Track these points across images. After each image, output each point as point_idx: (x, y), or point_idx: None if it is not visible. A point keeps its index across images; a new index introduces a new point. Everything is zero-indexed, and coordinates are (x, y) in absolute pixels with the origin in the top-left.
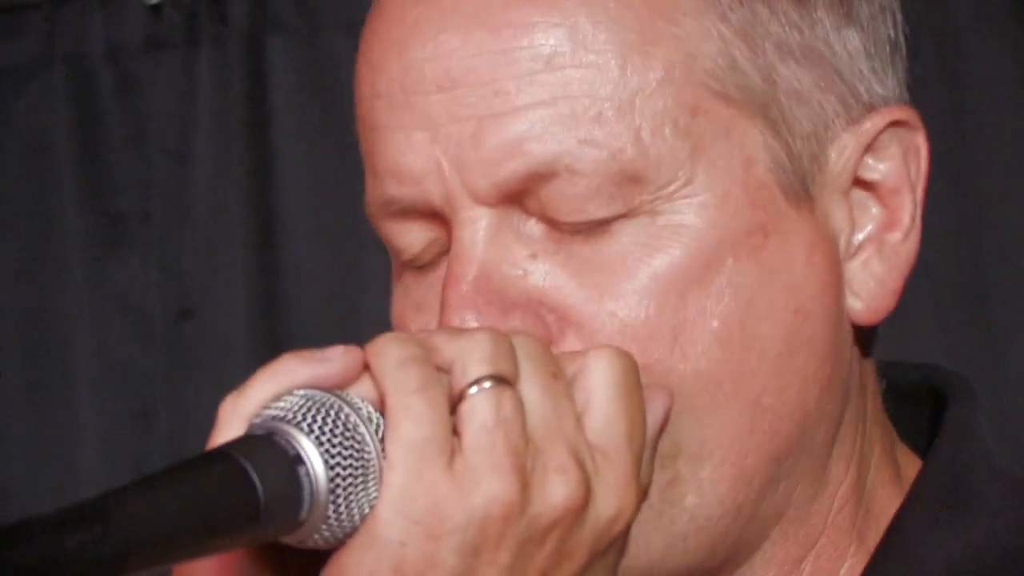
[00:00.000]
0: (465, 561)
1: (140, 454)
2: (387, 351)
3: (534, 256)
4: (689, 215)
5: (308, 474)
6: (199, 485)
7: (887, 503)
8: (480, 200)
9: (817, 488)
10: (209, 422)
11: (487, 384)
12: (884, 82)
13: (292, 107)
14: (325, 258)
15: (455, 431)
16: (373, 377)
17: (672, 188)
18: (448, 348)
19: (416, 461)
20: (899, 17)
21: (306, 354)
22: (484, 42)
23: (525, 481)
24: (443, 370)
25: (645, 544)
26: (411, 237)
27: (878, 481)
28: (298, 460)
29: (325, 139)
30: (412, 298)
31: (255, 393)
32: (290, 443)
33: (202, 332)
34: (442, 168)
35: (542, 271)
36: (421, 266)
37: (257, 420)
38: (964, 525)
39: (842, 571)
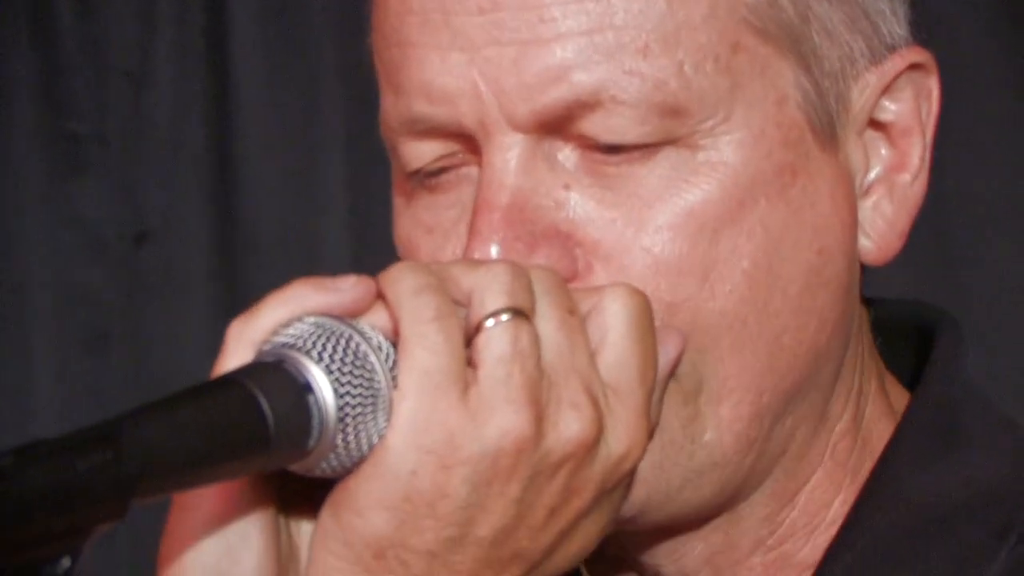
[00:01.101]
0: (476, 492)
1: (96, 379)
2: (403, 279)
3: (567, 187)
4: (727, 152)
5: (317, 403)
6: (210, 412)
7: (882, 436)
8: (516, 126)
9: (818, 424)
10: (166, 346)
11: (504, 317)
12: (900, 23)
13: (252, 30)
14: (284, 183)
15: (470, 363)
16: (387, 305)
17: (711, 123)
18: (466, 279)
19: (430, 390)
20: None
21: (317, 281)
22: None
23: (540, 414)
24: (460, 302)
25: (665, 478)
26: (426, 153)
27: (873, 415)
28: (308, 388)
29: (286, 63)
30: (422, 219)
31: (264, 318)
32: (300, 371)
33: (159, 256)
34: (479, 91)
35: (574, 202)
36: (429, 183)
37: (267, 347)
38: (953, 461)
39: (835, 503)
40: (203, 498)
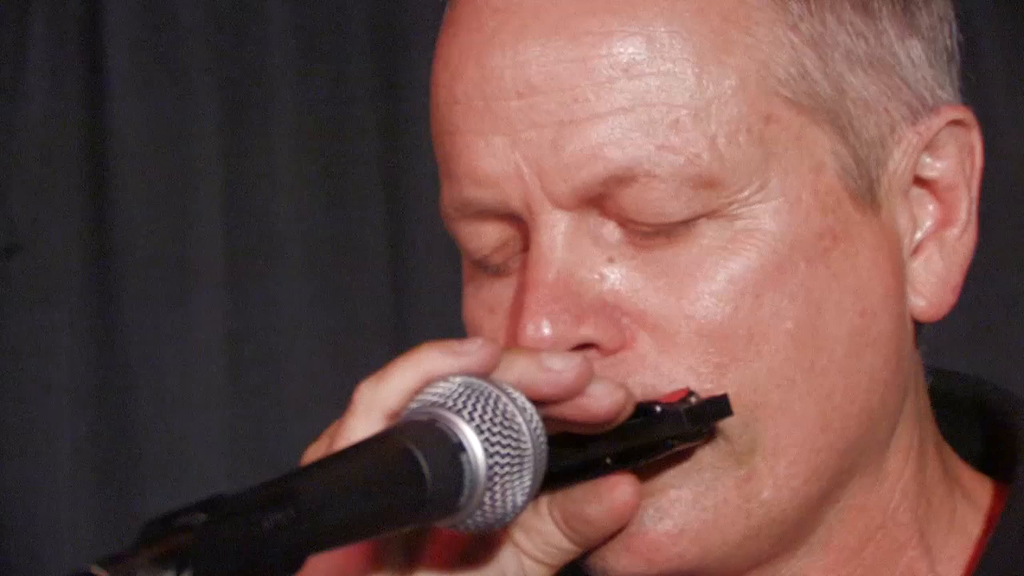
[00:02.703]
0: None
1: None
2: None
3: (611, 260)
4: (765, 219)
5: (469, 462)
6: (375, 470)
7: (944, 498)
8: (559, 204)
9: (875, 479)
10: (39, 359)
11: None
12: (944, 87)
13: (127, 42)
14: (157, 197)
15: None
16: None
17: (747, 193)
18: None
19: None
20: (955, 27)
21: (445, 344)
22: (564, 50)
23: None
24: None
25: (721, 537)
26: (485, 239)
27: (935, 477)
28: (460, 448)
29: (161, 77)
30: (484, 299)
31: (394, 382)
32: (452, 430)
33: (30, 269)
34: (521, 172)
35: (618, 274)
36: (492, 269)
37: (415, 405)
38: None
39: (902, 561)
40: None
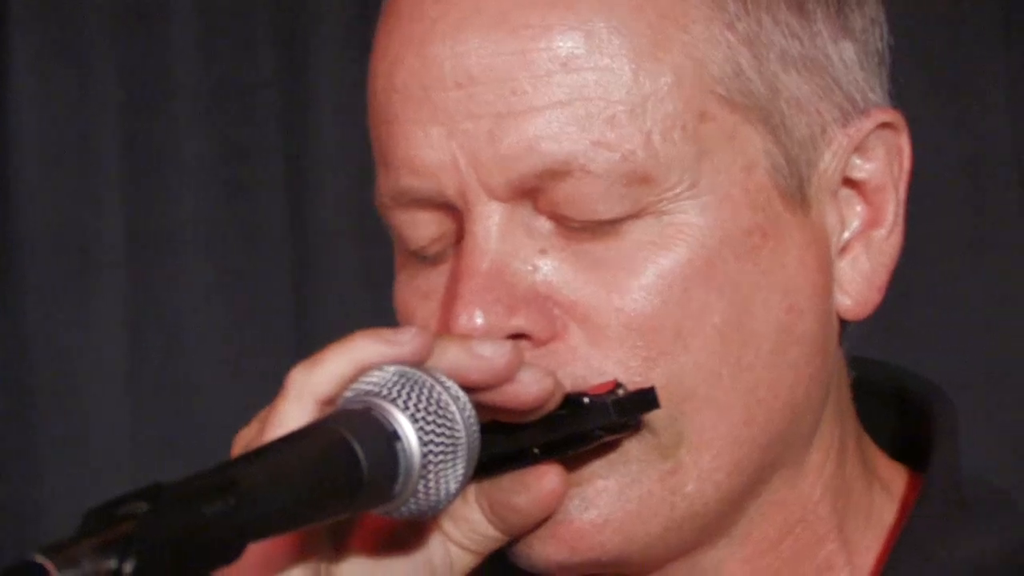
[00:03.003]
0: None
1: None
2: None
3: (543, 252)
4: (694, 215)
5: (404, 450)
6: (312, 458)
7: (863, 492)
8: (494, 195)
9: (797, 474)
10: None
11: None
12: (875, 89)
13: (29, 27)
14: (59, 183)
15: None
16: None
17: (679, 189)
18: None
19: None
20: (886, 30)
21: (378, 332)
22: (503, 42)
23: None
24: None
25: (642, 529)
26: (420, 229)
27: (855, 472)
28: (395, 436)
29: (62, 62)
30: (418, 287)
31: (328, 369)
32: (387, 419)
33: None
34: (458, 163)
35: (551, 266)
36: (427, 258)
37: (351, 394)
38: (971, 532)
39: (820, 555)
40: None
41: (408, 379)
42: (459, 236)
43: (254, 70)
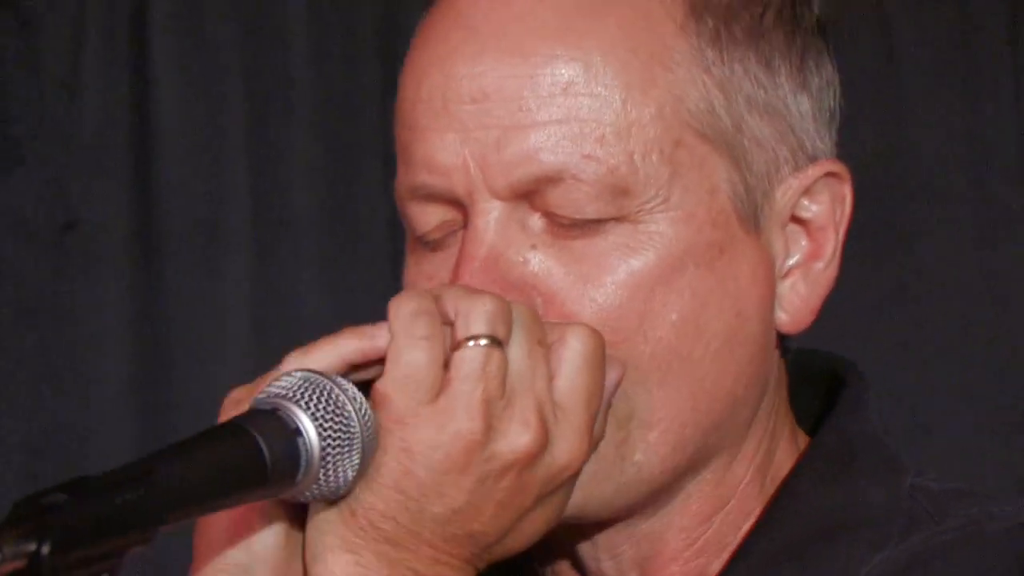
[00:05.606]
0: (432, 476)
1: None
2: (405, 303)
3: (534, 246)
4: (664, 226)
5: (305, 444)
6: (221, 453)
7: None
8: (496, 195)
9: (732, 459)
10: (91, 316)
11: (482, 342)
12: (824, 141)
13: (169, 44)
14: (192, 179)
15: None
16: (389, 324)
17: (653, 203)
18: (457, 303)
19: (409, 390)
20: (838, 91)
21: (359, 330)
22: (515, 66)
23: (490, 425)
24: (448, 322)
25: (598, 489)
26: (428, 218)
27: (782, 458)
28: (297, 432)
29: (199, 71)
30: (424, 269)
31: (317, 355)
32: (291, 418)
33: (83, 241)
34: (468, 165)
35: (539, 259)
36: (432, 244)
37: (262, 395)
38: (844, 487)
39: (744, 526)
40: (220, 522)
41: (311, 383)
42: (463, 227)
43: (360, 82)
